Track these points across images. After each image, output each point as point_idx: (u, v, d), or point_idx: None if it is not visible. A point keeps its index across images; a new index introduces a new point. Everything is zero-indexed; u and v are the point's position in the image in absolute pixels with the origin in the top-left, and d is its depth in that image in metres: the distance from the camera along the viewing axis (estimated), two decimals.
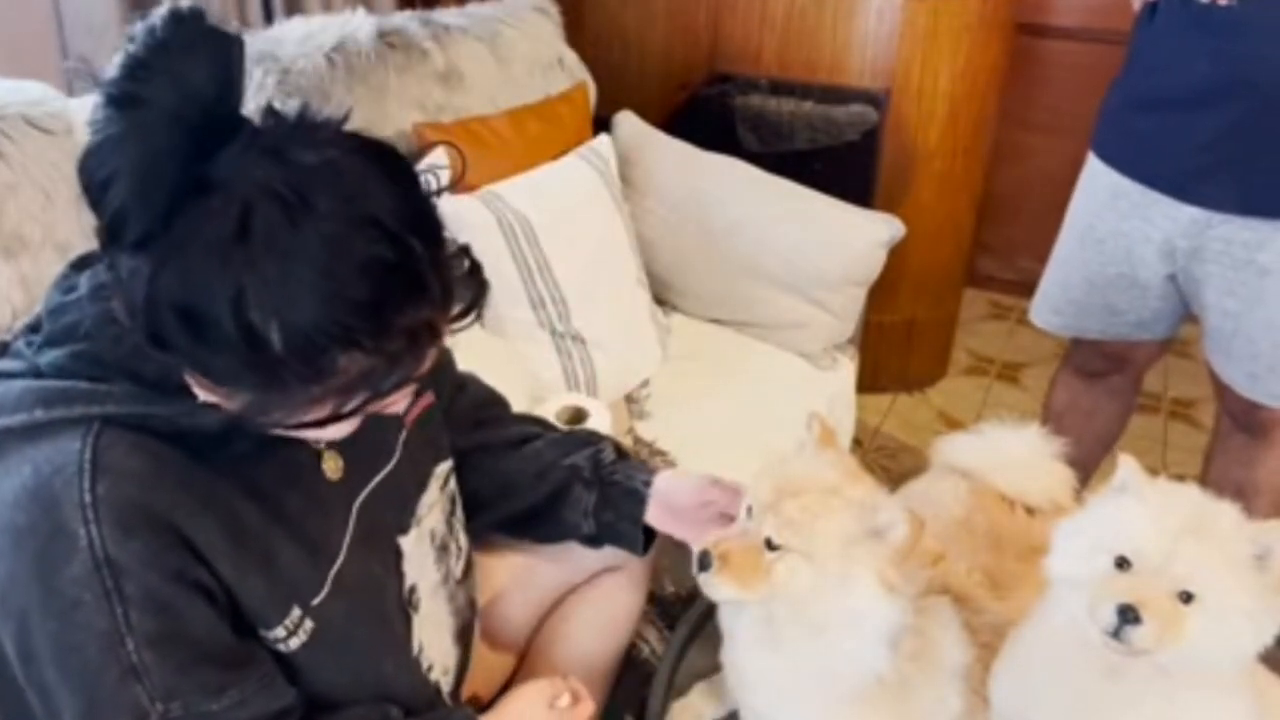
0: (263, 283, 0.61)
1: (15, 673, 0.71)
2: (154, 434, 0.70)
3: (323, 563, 0.81)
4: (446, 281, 0.68)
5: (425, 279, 0.66)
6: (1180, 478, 0.84)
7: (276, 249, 0.61)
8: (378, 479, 0.89)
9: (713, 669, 1.05)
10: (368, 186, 0.65)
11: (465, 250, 0.73)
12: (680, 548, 1.02)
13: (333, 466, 0.83)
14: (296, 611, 0.77)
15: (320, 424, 0.69)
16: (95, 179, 0.61)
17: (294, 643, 0.77)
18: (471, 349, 1.13)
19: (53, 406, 0.69)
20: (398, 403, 0.74)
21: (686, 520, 1.01)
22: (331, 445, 0.83)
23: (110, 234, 0.63)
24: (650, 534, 1.05)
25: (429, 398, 0.98)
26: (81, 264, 0.76)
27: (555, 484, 1.05)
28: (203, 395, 0.68)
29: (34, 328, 0.75)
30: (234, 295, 0.60)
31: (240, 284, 0.60)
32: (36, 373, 0.71)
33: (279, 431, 0.71)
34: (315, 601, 0.79)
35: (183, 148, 0.61)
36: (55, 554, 0.66)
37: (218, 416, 0.69)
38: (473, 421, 1.08)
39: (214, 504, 0.72)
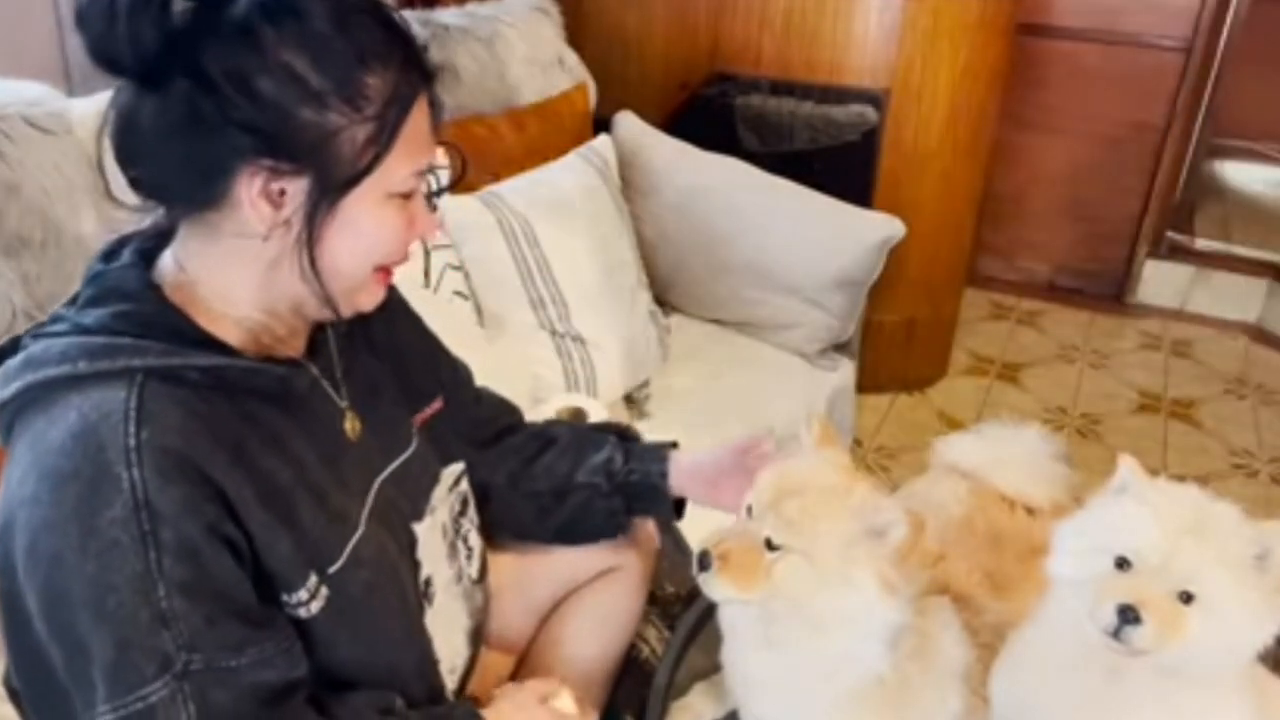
0: (280, 31, 0.72)
1: (36, 630, 0.72)
2: (192, 386, 0.73)
3: (344, 531, 0.83)
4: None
5: (387, 11, 0.79)
6: (1180, 478, 0.84)
7: (291, 13, 0.72)
8: (398, 462, 0.92)
9: (713, 669, 1.05)
10: None
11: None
12: (680, 548, 1.03)
13: (352, 427, 0.88)
14: (314, 578, 0.79)
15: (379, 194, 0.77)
16: (116, 34, 0.69)
17: (314, 607, 0.79)
18: (472, 349, 1.13)
19: (97, 359, 0.72)
20: (428, 219, 0.83)
21: (725, 488, 1.03)
22: (353, 406, 0.88)
23: (143, 78, 0.72)
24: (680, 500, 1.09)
25: (438, 404, 1.02)
26: (121, 243, 0.82)
27: (576, 505, 1.08)
28: (265, 220, 0.74)
29: (72, 300, 0.79)
30: (262, 47, 0.71)
31: (264, 37, 0.71)
32: (82, 330, 0.74)
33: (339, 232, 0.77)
34: (333, 570, 0.80)
35: None
36: (98, 495, 0.68)
37: (253, 365, 0.77)
38: (493, 433, 1.11)
39: (245, 460, 0.75)
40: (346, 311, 0.82)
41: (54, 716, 0.77)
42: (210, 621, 0.71)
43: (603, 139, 1.94)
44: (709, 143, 2.08)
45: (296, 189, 0.74)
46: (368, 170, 0.75)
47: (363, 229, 0.78)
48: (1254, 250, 3.29)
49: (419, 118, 0.79)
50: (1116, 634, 0.74)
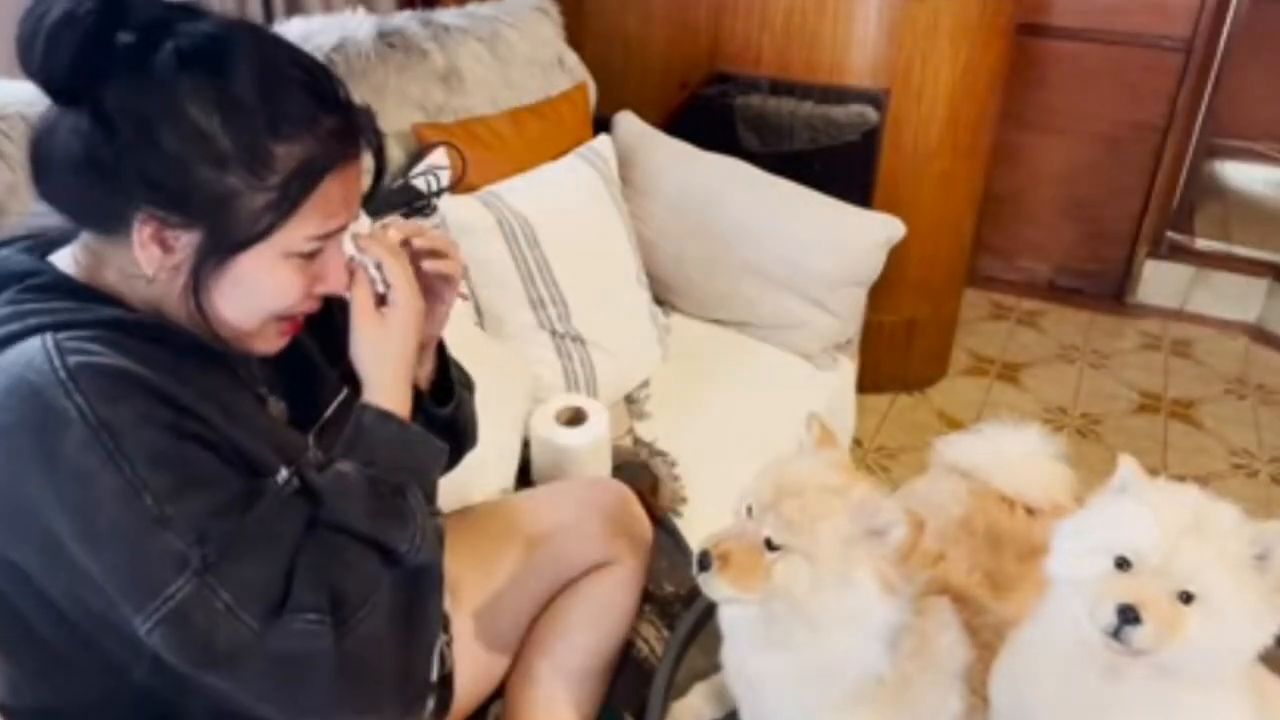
0: (196, 86, 0.71)
1: (47, 587, 0.73)
2: (106, 334, 0.74)
3: (296, 448, 0.85)
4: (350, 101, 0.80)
5: (334, 84, 0.79)
6: (1180, 478, 0.84)
7: (211, 70, 0.72)
8: (330, 410, 0.93)
9: (713, 669, 1.05)
10: (270, 34, 0.79)
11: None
12: (680, 548, 1.02)
13: (276, 410, 0.90)
14: (284, 471, 0.80)
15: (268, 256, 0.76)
16: (34, 47, 0.70)
17: (295, 484, 0.80)
18: (472, 349, 1.13)
19: (6, 324, 0.72)
20: (338, 275, 0.83)
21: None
22: (274, 391, 0.89)
23: (56, 93, 0.72)
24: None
25: None
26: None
27: None
28: (153, 263, 0.74)
29: None
30: (172, 98, 0.71)
31: (178, 88, 0.71)
32: None
33: (229, 317, 0.78)
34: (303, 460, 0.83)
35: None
36: (51, 435, 0.68)
37: (160, 322, 0.77)
38: None
39: (182, 379, 0.75)
40: (238, 351, 0.83)
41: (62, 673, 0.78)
42: (207, 513, 0.71)
43: (603, 139, 1.94)
44: (709, 143, 2.08)
45: (187, 240, 0.74)
46: (261, 236, 0.75)
47: (253, 286, 0.78)
48: (1254, 250, 3.29)
49: (335, 186, 0.78)
50: (1116, 634, 0.74)
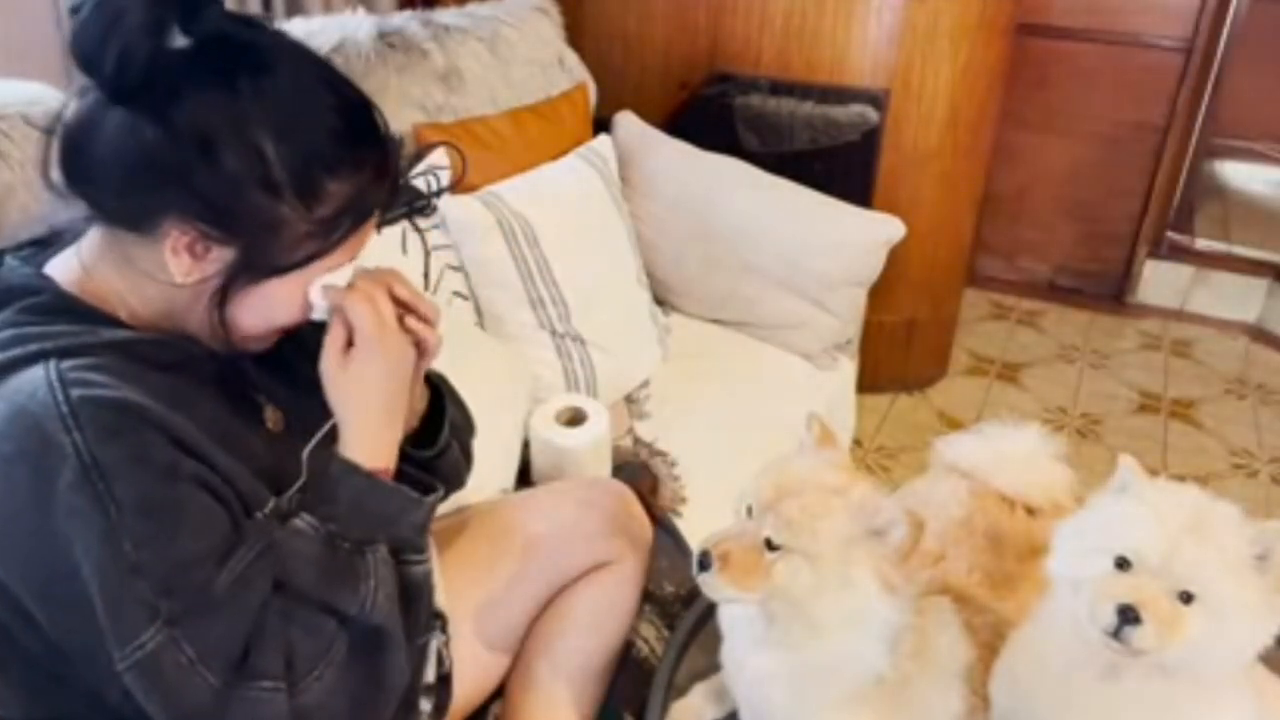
0: (264, 110, 0.72)
1: (38, 612, 0.73)
2: (107, 359, 0.74)
3: (287, 476, 0.86)
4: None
5: (376, 120, 0.79)
6: (1180, 478, 0.84)
7: (282, 97, 0.72)
8: (327, 427, 0.91)
9: (713, 669, 1.05)
10: (332, 67, 0.79)
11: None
12: (680, 548, 1.02)
13: (273, 419, 0.89)
14: (272, 501, 0.81)
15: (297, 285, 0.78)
16: (107, 45, 0.69)
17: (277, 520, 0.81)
18: (472, 349, 1.13)
19: (8, 349, 0.72)
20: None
21: None
22: (271, 399, 0.89)
23: (113, 91, 0.71)
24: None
25: None
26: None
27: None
28: (182, 269, 0.74)
29: None
30: (240, 119, 0.71)
31: (246, 111, 0.71)
32: None
33: (246, 325, 0.79)
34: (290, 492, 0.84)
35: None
36: (47, 469, 0.68)
37: (160, 338, 0.77)
38: None
39: (182, 408, 0.75)
40: (235, 350, 0.83)
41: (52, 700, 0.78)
42: (182, 565, 0.71)
43: (603, 139, 1.94)
44: (709, 143, 2.08)
45: (222, 254, 0.75)
46: (298, 266, 0.76)
47: (276, 303, 0.79)
48: (1254, 250, 3.29)
49: (368, 226, 0.79)
50: (1116, 634, 0.74)
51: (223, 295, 0.76)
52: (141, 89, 0.70)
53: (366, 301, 0.81)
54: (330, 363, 0.83)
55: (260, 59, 0.73)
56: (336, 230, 0.76)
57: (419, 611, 0.86)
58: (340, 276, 0.82)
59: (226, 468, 0.77)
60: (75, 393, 0.69)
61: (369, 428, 0.83)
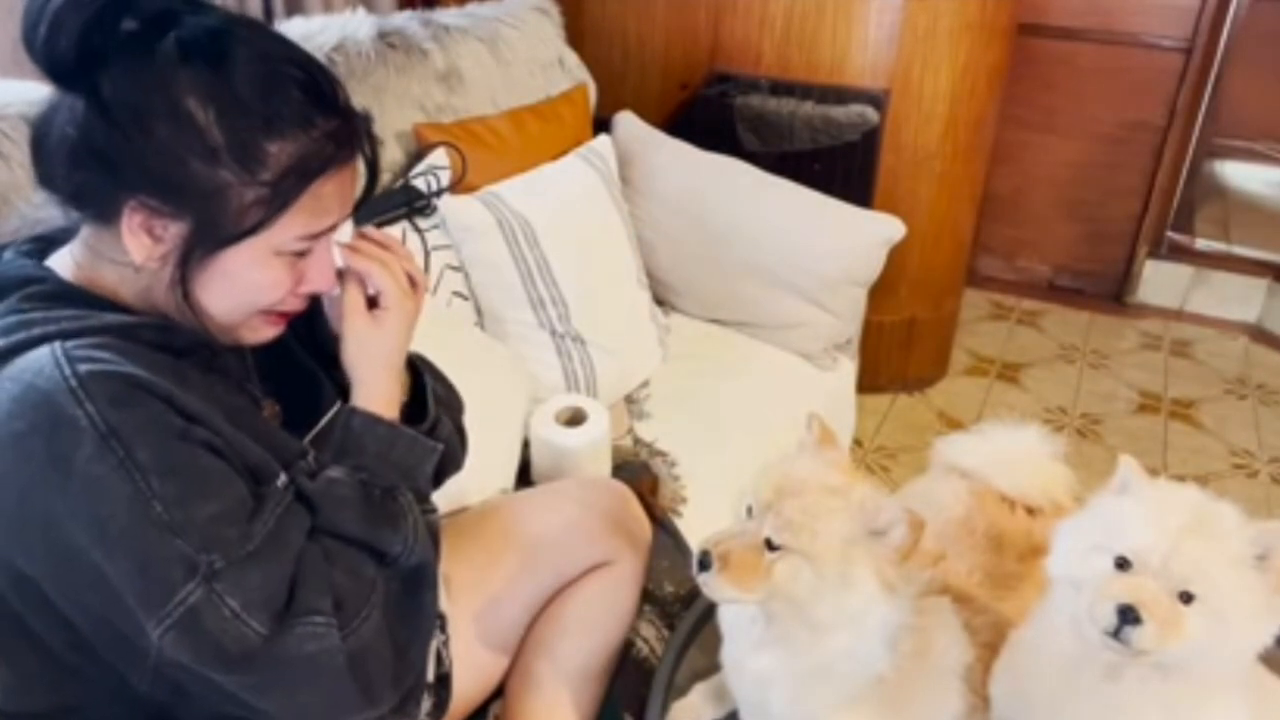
0: (192, 76, 0.71)
1: (53, 593, 0.73)
2: (112, 341, 0.74)
3: (292, 452, 0.86)
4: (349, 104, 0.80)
5: (333, 86, 0.79)
6: (1180, 478, 0.84)
7: (210, 63, 0.72)
8: (327, 418, 0.93)
9: (713, 669, 1.05)
10: (273, 32, 0.79)
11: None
12: (680, 548, 1.02)
13: (271, 412, 0.90)
14: (283, 476, 0.81)
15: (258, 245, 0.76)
16: (39, 27, 0.70)
17: (293, 490, 0.81)
18: (472, 349, 1.13)
19: (11, 333, 0.73)
20: (325, 275, 0.83)
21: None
22: (268, 392, 0.90)
23: (57, 76, 0.72)
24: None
25: None
26: None
27: None
28: (141, 251, 0.74)
29: None
30: (167, 87, 0.71)
31: (172, 78, 0.71)
32: None
33: (228, 305, 0.79)
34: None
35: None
36: (63, 443, 0.69)
37: (164, 323, 0.78)
38: None
39: (187, 386, 0.76)
40: (226, 342, 0.83)
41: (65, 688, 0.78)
42: (214, 520, 0.72)
43: (603, 139, 1.94)
44: (709, 143, 2.08)
45: (175, 231, 0.75)
46: (249, 232, 0.76)
47: (239, 281, 0.78)
48: (1254, 250, 3.29)
49: (328, 187, 0.78)
50: (1116, 634, 0.74)
51: (182, 273, 0.76)
52: (76, 69, 0.71)
53: (388, 264, 0.87)
54: (359, 322, 0.87)
55: (193, 30, 0.72)
56: (282, 191, 0.75)
57: (438, 559, 0.89)
58: (342, 235, 0.83)
59: (234, 439, 0.77)
60: (82, 368, 0.70)
61: (383, 383, 0.88)
